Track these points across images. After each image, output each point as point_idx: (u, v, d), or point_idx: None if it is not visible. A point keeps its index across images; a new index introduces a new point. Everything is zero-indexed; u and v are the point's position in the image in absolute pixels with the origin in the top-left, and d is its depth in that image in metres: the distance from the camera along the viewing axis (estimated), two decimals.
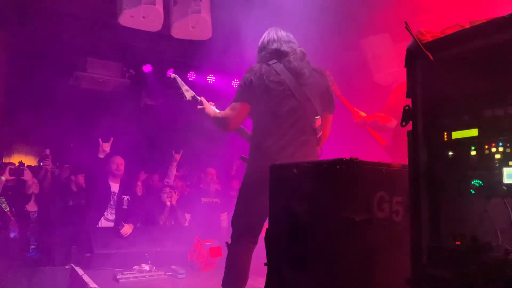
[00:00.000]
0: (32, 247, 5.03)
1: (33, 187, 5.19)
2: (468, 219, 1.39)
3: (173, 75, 2.97)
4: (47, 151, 5.46)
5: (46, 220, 5.25)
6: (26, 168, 5.29)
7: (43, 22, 5.55)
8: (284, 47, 2.73)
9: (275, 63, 2.69)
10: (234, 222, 2.72)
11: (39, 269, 4.31)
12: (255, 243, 2.67)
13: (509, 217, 1.41)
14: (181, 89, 2.91)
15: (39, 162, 6.78)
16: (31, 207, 5.15)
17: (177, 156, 5.98)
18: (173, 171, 6.06)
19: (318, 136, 2.70)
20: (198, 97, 2.89)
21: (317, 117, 2.66)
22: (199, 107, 2.86)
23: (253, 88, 2.65)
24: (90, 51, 6.62)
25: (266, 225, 2.10)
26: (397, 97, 3.39)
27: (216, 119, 2.78)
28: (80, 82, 6.93)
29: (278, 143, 2.59)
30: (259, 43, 2.85)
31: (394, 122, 3.34)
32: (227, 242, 2.72)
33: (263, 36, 2.85)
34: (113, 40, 6.17)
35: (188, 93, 2.92)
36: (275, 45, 2.74)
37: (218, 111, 2.85)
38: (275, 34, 2.79)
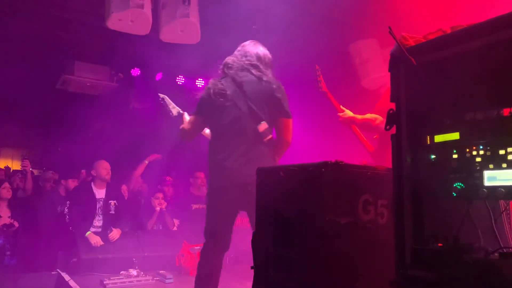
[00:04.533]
0: (8, 253, 4.96)
1: (5, 192, 5.11)
2: (450, 221, 1.42)
3: (162, 95, 3.31)
4: (25, 153, 5.48)
5: (27, 225, 5.18)
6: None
7: (30, 25, 5.50)
8: (228, 60, 2.99)
9: (224, 76, 2.96)
10: (204, 231, 2.96)
11: (21, 276, 4.25)
12: (221, 247, 2.90)
13: (490, 219, 1.44)
14: (168, 107, 3.26)
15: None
16: (3, 212, 5.06)
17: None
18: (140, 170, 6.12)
19: (266, 139, 2.82)
20: (182, 112, 3.22)
21: (262, 122, 2.81)
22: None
23: (203, 103, 2.97)
24: (78, 54, 6.57)
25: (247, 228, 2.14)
26: (387, 100, 3.40)
27: (179, 131, 3.10)
28: (68, 86, 6.86)
29: (224, 152, 2.82)
30: None
31: None
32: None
33: None
34: (101, 43, 6.14)
35: (175, 110, 3.26)
36: (225, 60, 3.02)
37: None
38: (236, 51, 3.07)
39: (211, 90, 2.89)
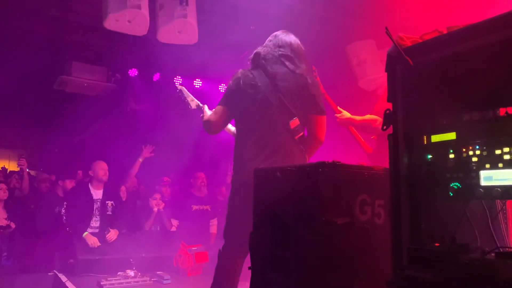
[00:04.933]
0: (4, 254, 4.95)
1: (2, 193, 5.11)
2: (447, 221, 1.42)
3: (179, 87, 3.14)
4: (22, 152, 5.49)
5: (24, 226, 5.17)
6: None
7: (27, 25, 5.48)
8: (260, 50, 2.78)
9: (255, 67, 2.75)
10: (224, 233, 2.76)
11: (18, 277, 4.24)
12: (243, 253, 2.56)
13: (487, 219, 1.45)
14: (186, 99, 3.07)
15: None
16: (0, 213, 5.05)
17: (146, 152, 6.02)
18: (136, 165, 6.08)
19: (298, 136, 2.66)
20: (201, 105, 3.05)
21: (294, 118, 2.64)
22: (201, 115, 2.99)
23: (231, 93, 2.74)
24: (75, 55, 6.55)
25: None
26: (386, 101, 3.38)
27: (203, 123, 2.88)
28: (65, 87, 6.84)
29: (253, 148, 2.62)
30: None
31: None
32: (219, 250, 2.74)
33: None
34: (99, 44, 6.13)
35: (193, 103, 3.07)
36: (256, 50, 2.81)
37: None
38: (267, 41, 2.86)
39: (241, 81, 2.67)
